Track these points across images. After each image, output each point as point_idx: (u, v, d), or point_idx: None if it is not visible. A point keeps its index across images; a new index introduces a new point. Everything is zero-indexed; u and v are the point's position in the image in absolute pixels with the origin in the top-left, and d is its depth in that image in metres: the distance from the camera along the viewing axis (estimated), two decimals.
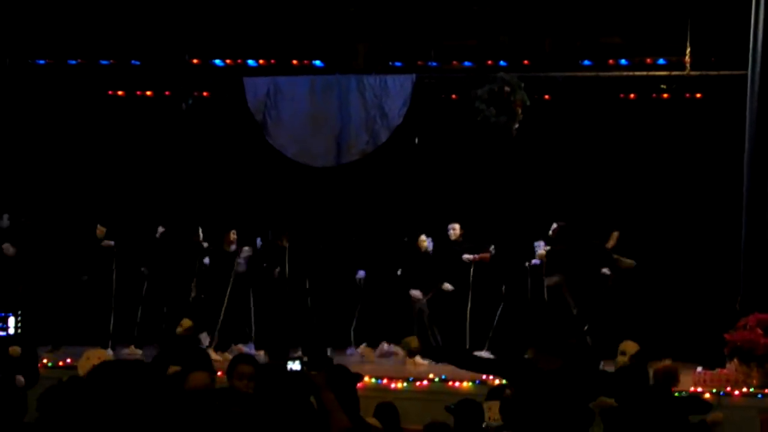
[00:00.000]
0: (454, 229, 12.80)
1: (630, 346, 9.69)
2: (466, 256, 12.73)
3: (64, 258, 12.98)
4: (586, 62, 13.12)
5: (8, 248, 12.77)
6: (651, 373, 8.68)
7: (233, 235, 12.87)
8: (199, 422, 5.00)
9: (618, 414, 8.02)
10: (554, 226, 12.26)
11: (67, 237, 13.11)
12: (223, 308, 12.63)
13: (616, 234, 12.06)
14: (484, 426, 7.08)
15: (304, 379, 5.17)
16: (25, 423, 6.94)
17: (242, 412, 5.28)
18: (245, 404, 5.43)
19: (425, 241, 12.72)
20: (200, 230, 12.91)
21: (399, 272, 12.70)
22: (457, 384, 10.54)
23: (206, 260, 12.79)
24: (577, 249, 12.16)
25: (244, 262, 12.89)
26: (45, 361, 10.79)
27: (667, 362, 8.76)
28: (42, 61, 13.91)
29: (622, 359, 9.56)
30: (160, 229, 12.89)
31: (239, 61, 13.74)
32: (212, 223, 13.08)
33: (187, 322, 10.34)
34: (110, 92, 14.23)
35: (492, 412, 7.14)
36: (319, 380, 5.14)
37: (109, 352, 11.66)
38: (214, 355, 11.58)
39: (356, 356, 12.55)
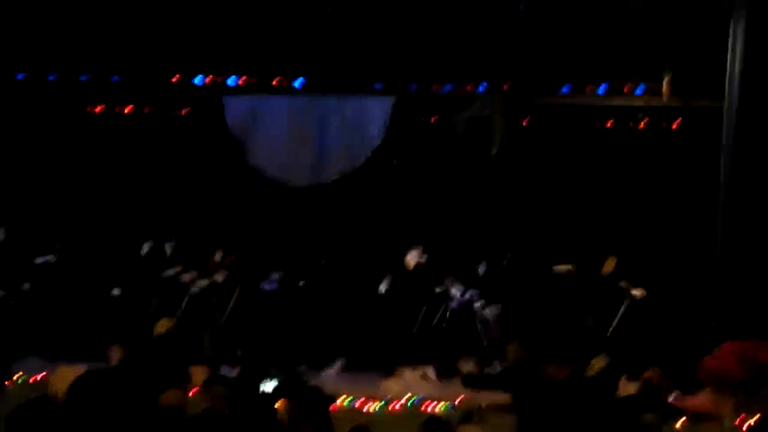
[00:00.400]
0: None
1: (599, 361, 9.79)
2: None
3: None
4: (565, 88, 13.19)
5: None
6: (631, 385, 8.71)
7: (218, 257, 12.83)
8: None
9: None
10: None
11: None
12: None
13: (612, 260, 12.02)
14: None
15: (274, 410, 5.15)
16: None
17: None
18: (219, 424, 5.42)
19: (412, 261, 12.70)
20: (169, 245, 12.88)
21: (381, 289, 12.68)
22: (430, 408, 10.49)
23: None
24: (533, 279, 12.21)
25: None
26: (15, 378, 10.63)
27: (656, 371, 8.77)
28: (21, 75, 13.87)
29: (590, 371, 9.64)
30: (146, 247, 12.83)
31: (219, 79, 13.75)
32: (190, 241, 13.05)
33: (166, 323, 10.13)
34: (89, 108, 14.20)
35: None
36: (292, 412, 5.12)
37: (84, 367, 11.53)
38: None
39: (330, 376, 12.52)
